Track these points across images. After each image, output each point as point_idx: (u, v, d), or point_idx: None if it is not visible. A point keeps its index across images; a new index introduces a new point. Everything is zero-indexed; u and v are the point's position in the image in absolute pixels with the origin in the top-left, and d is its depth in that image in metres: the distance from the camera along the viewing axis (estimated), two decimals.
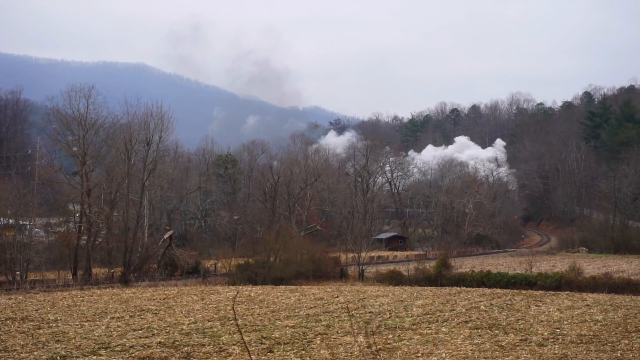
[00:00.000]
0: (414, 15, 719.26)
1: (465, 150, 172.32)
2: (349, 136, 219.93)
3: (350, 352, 18.25)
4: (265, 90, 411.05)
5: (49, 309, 30.06)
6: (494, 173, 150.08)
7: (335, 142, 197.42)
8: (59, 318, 26.57)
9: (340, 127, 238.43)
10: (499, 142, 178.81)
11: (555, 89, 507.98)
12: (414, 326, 23.09)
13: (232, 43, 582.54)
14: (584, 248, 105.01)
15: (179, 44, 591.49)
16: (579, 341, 19.53)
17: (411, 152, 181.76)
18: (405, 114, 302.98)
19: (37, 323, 25.10)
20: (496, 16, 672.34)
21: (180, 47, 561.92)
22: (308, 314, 27.17)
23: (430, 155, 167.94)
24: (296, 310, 28.51)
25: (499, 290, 39.40)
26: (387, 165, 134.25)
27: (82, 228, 59.92)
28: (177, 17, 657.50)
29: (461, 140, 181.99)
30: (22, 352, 18.86)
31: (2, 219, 57.09)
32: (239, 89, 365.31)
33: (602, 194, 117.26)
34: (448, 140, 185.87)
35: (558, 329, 21.95)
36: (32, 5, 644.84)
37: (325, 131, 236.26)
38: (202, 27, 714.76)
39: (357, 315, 26.82)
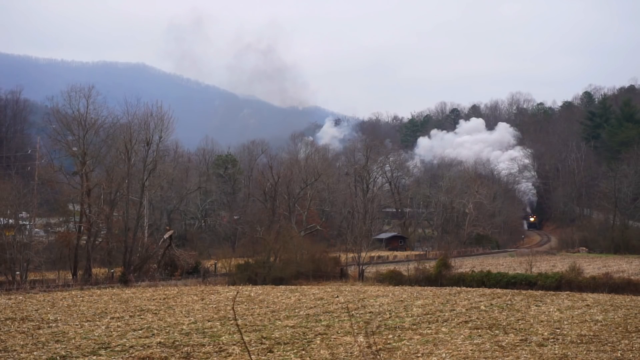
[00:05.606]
0: (413, 15, 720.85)
1: (474, 133, 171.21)
2: (345, 126, 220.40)
3: (350, 352, 18.23)
4: (266, 86, 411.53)
5: (48, 309, 30.04)
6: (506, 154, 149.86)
7: (332, 133, 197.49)
8: (59, 318, 26.54)
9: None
10: (506, 126, 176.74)
11: (554, 89, 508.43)
12: (414, 326, 23.06)
13: (233, 40, 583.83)
14: (584, 248, 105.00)
15: (180, 38, 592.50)
16: (579, 341, 19.51)
17: (419, 139, 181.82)
18: (405, 114, 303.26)
19: (37, 323, 25.07)
20: (492, 15, 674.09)
21: (181, 42, 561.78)
22: (308, 314, 27.14)
23: (435, 141, 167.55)
24: (296, 310, 28.48)
25: (499, 290, 39.36)
26: (387, 165, 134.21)
27: (82, 228, 59.92)
28: (178, 12, 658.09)
29: (472, 124, 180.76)
30: (22, 352, 18.85)
31: (2, 219, 57.06)
32: (239, 88, 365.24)
33: (602, 194, 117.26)
34: (449, 140, 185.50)
35: (558, 329, 21.93)
36: (32, 5, 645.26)
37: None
38: (203, 21, 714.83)
39: (357, 315, 26.79)
